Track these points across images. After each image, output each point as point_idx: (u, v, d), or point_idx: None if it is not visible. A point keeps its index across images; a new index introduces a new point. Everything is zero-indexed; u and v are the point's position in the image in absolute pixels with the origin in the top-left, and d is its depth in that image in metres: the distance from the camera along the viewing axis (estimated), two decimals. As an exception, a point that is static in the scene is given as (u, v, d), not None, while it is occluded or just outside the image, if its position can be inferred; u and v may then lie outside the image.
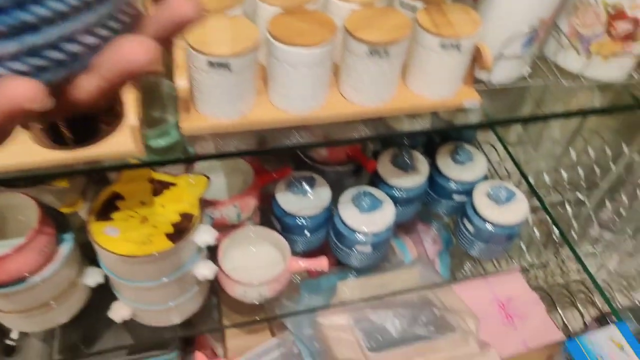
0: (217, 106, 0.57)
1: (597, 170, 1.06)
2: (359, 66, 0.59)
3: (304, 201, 0.90)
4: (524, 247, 1.09)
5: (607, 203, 1.00)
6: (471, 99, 0.66)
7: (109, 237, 0.70)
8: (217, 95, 0.56)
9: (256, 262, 0.91)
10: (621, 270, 1.04)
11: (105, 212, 0.72)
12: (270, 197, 0.92)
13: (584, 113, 0.71)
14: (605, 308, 1.01)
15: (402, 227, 1.14)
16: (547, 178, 1.13)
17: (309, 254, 0.98)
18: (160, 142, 0.67)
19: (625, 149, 0.95)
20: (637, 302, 0.99)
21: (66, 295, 0.76)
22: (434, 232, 1.15)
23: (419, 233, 1.16)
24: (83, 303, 0.82)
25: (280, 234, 0.90)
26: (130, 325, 0.85)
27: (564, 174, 1.16)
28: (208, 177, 0.78)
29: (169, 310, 0.82)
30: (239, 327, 0.99)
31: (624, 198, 0.98)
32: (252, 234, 0.91)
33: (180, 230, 0.72)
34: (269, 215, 0.95)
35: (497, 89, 0.69)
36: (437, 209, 1.04)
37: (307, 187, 0.90)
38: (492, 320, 1.04)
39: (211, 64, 0.52)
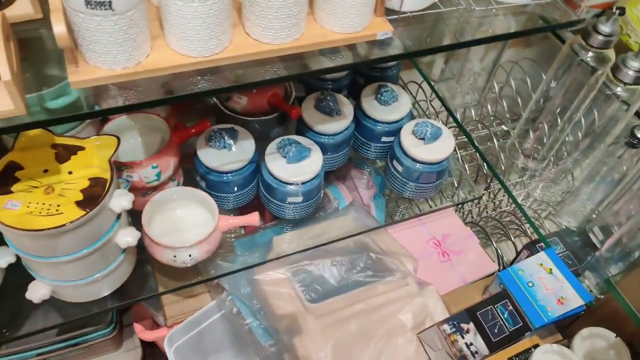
0: (107, 54, 0.52)
1: (519, 100, 1.08)
2: (261, 1, 0.55)
3: (227, 156, 0.86)
4: (456, 184, 1.10)
5: (530, 132, 1.02)
6: (384, 30, 0.63)
7: (10, 211, 0.64)
8: (103, 41, 0.50)
9: (185, 225, 0.87)
10: (545, 196, 1.08)
11: (3, 184, 0.66)
12: (194, 154, 0.88)
13: (497, 38, 0.70)
14: (535, 235, 1.04)
15: (335, 174, 1.13)
16: (473, 113, 1.14)
17: (242, 210, 0.96)
18: (58, 102, 0.61)
19: (543, 76, 0.96)
20: (564, 226, 1.02)
21: (-26, 279, 0.70)
22: (367, 177, 1.14)
23: (352, 179, 1.15)
24: (-3, 285, 0.76)
25: (207, 192, 0.86)
26: (58, 303, 0.80)
27: (489, 108, 1.18)
28: (118, 137, 0.73)
29: (95, 283, 0.78)
30: (174, 292, 0.95)
31: (545, 126, 1.00)
32: (175, 195, 0.86)
33: (91, 197, 0.67)
34: (194, 174, 0.90)
35: (410, 17, 0.67)
36: (367, 153, 1.03)
37: (229, 141, 0.86)
38: (429, 259, 1.06)
39: (89, 4, 0.46)
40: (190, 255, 0.82)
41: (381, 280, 0.93)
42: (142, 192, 0.84)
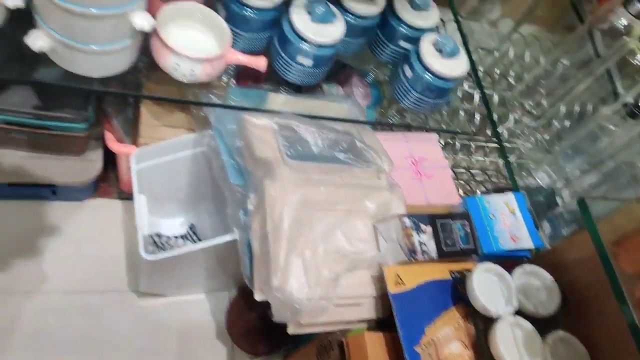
0: None
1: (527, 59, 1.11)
2: None
3: (257, -9, 0.86)
4: (445, 116, 1.13)
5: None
6: None
7: None
8: None
9: (193, 43, 0.86)
10: (530, 154, 1.11)
11: None
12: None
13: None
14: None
15: (337, 77, 1.14)
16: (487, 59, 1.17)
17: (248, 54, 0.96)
18: None
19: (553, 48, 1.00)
20: (539, 182, 1.06)
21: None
22: (366, 88, 1.16)
23: (352, 86, 1.16)
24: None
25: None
26: (50, 70, 0.81)
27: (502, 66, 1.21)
28: None
29: (93, 55, 0.77)
30: (155, 114, 0.94)
31: (543, 91, 1.04)
32: (194, 12, 0.86)
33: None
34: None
35: None
36: (381, 54, 1.04)
37: (264, -23, 0.86)
38: (403, 172, 1.09)
39: None
40: (192, 71, 0.82)
41: (358, 165, 0.95)
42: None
